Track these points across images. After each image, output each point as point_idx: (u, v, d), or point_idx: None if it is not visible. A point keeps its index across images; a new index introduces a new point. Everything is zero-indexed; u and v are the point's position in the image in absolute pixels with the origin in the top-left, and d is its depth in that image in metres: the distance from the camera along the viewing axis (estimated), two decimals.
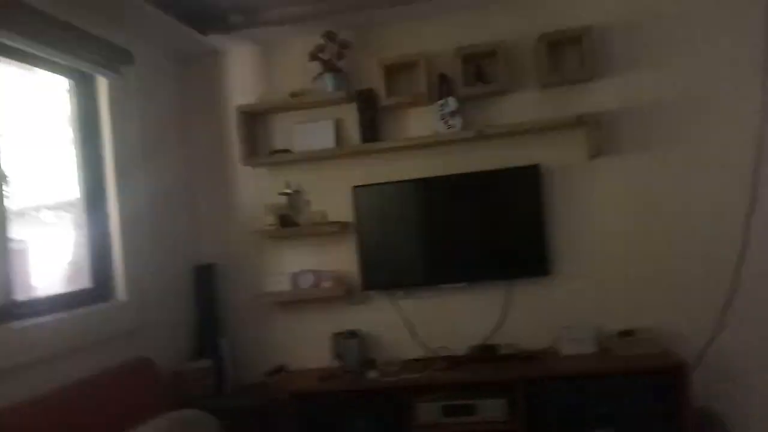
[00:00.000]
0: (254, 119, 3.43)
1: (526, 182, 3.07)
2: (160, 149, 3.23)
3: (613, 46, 3.10)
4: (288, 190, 3.32)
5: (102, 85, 2.83)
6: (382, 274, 3.20)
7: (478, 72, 3.13)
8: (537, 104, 3.16)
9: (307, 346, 3.36)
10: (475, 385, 2.92)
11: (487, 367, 2.94)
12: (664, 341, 2.99)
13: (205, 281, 3.35)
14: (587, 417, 2.74)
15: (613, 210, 3.11)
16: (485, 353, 3.07)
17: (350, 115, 3.30)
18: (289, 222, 3.32)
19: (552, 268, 3.13)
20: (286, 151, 3.32)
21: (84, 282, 2.71)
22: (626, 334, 2.96)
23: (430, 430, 2.86)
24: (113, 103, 2.86)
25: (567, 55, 3.11)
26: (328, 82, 3.21)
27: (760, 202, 2.97)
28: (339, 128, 3.34)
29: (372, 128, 3.21)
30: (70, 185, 2.74)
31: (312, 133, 3.31)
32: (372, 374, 2.97)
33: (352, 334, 3.20)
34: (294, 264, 3.37)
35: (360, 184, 3.27)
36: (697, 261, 3.03)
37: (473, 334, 3.21)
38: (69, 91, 2.76)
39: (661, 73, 3.06)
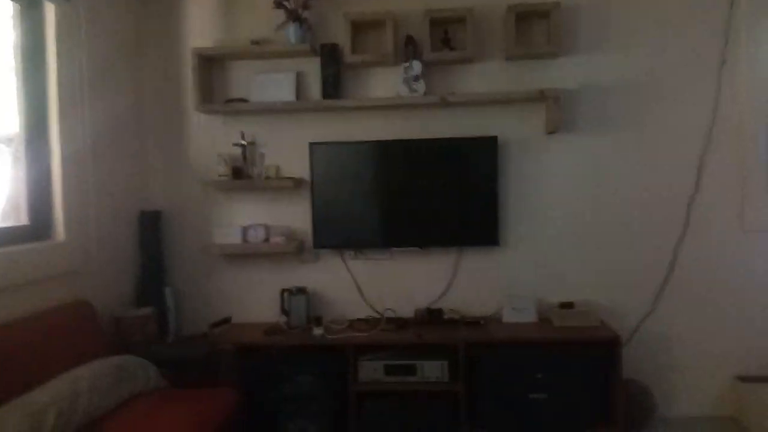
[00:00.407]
0: (211, 64, 3.29)
1: (484, 153, 3.09)
2: (109, 87, 3.06)
3: (579, 25, 3.12)
4: (242, 142, 3.23)
5: (50, 12, 2.65)
6: (335, 233, 3.19)
7: (445, 37, 3.10)
8: (500, 75, 3.17)
9: (255, 300, 3.33)
10: (419, 347, 2.99)
11: (431, 330, 3.00)
12: (601, 315, 3.13)
13: (151, 228, 3.25)
14: (523, 382, 2.85)
15: (564, 186, 3.19)
16: (430, 317, 3.13)
17: (312, 69, 3.22)
18: (242, 174, 3.24)
19: (501, 239, 3.19)
20: (242, 100, 3.21)
21: (21, 219, 2.58)
22: (566, 306, 3.08)
23: (371, 387, 2.91)
24: (61, 32, 2.68)
25: (534, 28, 3.12)
26: (291, 33, 3.11)
27: (703, 187, 3.10)
28: (300, 82, 3.25)
29: (334, 85, 3.15)
30: (10, 118, 2.57)
31: (271, 84, 3.21)
32: (318, 331, 2.98)
33: (301, 290, 3.19)
34: (245, 217, 3.32)
35: (317, 141, 3.22)
36: (640, 241, 3.16)
37: (421, 298, 3.26)
38: (13, 17, 2.56)
39: (623, 55, 3.12)
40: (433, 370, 2.92)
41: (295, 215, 3.30)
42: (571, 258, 3.20)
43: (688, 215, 3.12)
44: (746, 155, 3.07)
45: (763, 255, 3.09)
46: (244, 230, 3.24)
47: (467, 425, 2.89)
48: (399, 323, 3.09)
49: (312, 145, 3.16)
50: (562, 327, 2.96)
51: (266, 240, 3.23)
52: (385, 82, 3.21)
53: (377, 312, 3.28)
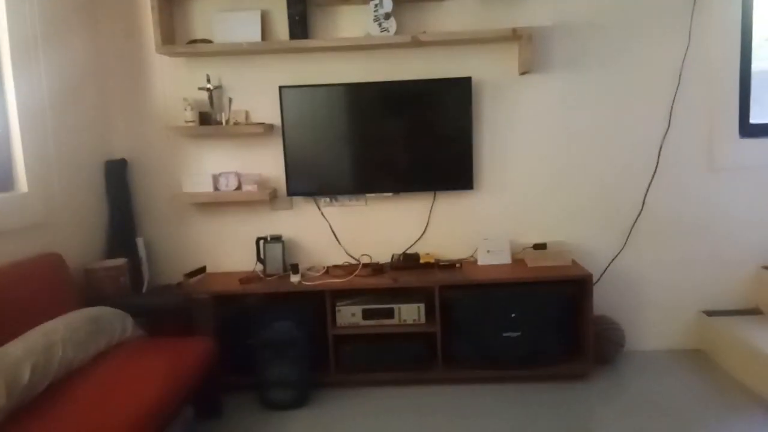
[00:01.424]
0: (171, 3, 3.13)
1: (458, 94, 3.04)
2: (64, 34, 2.89)
3: None
4: (208, 86, 3.11)
5: None
6: (308, 179, 3.14)
7: None
8: (473, 14, 3.08)
9: (229, 249, 3.30)
10: (395, 291, 3.02)
11: (407, 274, 3.02)
12: (573, 255, 3.19)
13: (118, 178, 3.16)
14: (497, 321, 2.91)
15: (537, 127, 3.17)
16: (407, 261, 3.14)
17: (278, 7, 3.09)
18: (210, 120, 3.15)
19: (476, 182, 3.18)
20: (206, 41, 3.08)
21: None
22: (539, 247, 3.12)
23: (349, 331, 2.95)
24: None
25: None
26: None
27: (673, 127, 3.11)
28: (265, 21, 3.12)
29: (301, 24, 3.02)
30: None
31: (236, 23, 3.07)
32: (295, 278, 2.98)
33: (276, 238, 3.17)
34: (215, 165, 3.24)
35: (287, 84, 3.12)
36: (612, 181, 3.18)
37: (397, 243, 3.27)
38: None
39: None
40: (409, 313, 2.96)
41: (267, 162, 3.23)
42: (545, 200, 3.21)
43: (659, 155, 3.14)
44: (717, 93, 3.07)
45: (730, 193, 3.15)
46: (215, 178, 3.18)
47: (443, 364, 2.96)
48: (375, 268, 3.10)
49: (282, 88, 3.06)
50: (535, 267, 3.01)
51: (238, 188, 3.17)
52: (355, 21, 3.09)
53: (354, 258, 3.28)
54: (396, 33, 2.98)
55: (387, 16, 2.96)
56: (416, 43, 3.01)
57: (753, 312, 3.18)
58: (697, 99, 3.09)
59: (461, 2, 3.08)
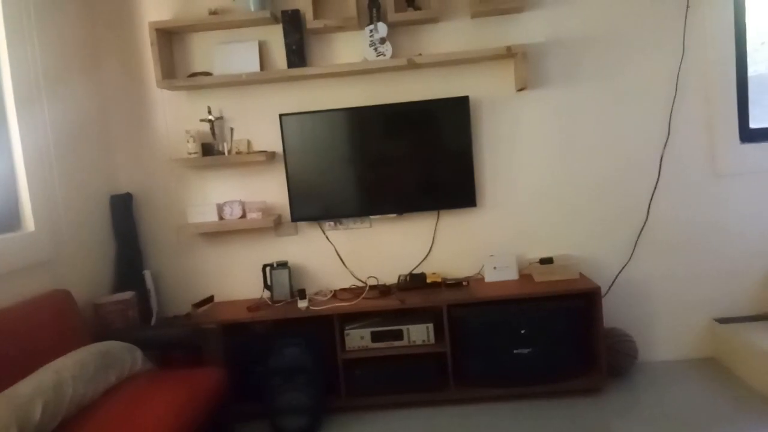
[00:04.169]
0: (170, 38, 3.19)
1: (456, 113, 3.06)
2: (66, 73, 2.95)
3: None
4: (210, 117, 3.15)
5: None
6: (312, 204, 3.16)
7: None
8: (467, 34, 3.12)
9: (236, 277, 3.32)
10: (403, 312, 3.02)
11: (414, 294, 3.01)
12: (580, 268, 3.18)
13: (123, 211, 3.19)
14: (507, 338, 2.89)
15: (537, 142, 3.18)
16: (413, 282, 3.14)
17: (275, 37, 3.14)
18: (212, 150, 3.18)
19: (478, 199, 3.19)
20: (206, 73, 3.13)
21: None
22: (545, 261, 3.11)
23: (359, 354, 2.94)
24: (9, 21, 2.56)
25: None
26: (250, 0, 3.01)
27: (674, 135, 3.12)
28: (263, 51, 3.17)
29: (298, 52, 3.07)
30: None
31: (234, 55, 3.13)
32: (302, 304, 2.98)
33: (282, 264, 3.18)
34: (219, 194, 3.27)
35: (287, 111, 3.16)
36: (615, 192, 3.18)
37: (403, 263, 3.27)
38: None
39: (588, 6, 3.08)
40: (418, 334, 2.95)
41: (271, 189, 3.26)
42: (548, 213, 3.21)
43: (661, 163, 3.14)
44: (715, 99, 3.08)
45: (735, 198, 3.13)
46: (219, 208, 3.20)
47: (454, 384, 2.94)
48: (382, 290, 3.10)
49: (282, 116, 3.10)
50: (543, 282, 3.00)
51: (243, 216, 3.19)
52: (351, 47, 3.14)
53: (360, 280, 3.29)
54: (392, 56, 3.02)
55: (382, 40, 3.00)
56: (412, 66, 3.04)
57: (764, 318, 3.14)
58: (696, 106, 3.10)
59: (455, 23, 3.12)
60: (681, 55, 3.07)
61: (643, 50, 3.09)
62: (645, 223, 3.17)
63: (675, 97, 3.10)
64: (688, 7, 3.04)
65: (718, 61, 3.06)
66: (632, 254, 3.20)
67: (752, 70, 3.12)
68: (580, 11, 3.08)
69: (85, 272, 2.95)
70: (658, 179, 3.15)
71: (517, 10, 3.04)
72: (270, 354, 2.86)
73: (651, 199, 3.16)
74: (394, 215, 3.20)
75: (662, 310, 3.22)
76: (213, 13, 3.07)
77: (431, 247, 3.26)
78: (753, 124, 3.13)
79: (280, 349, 2.86)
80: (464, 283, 3.10)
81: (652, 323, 3.23)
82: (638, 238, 3.18)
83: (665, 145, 3.13)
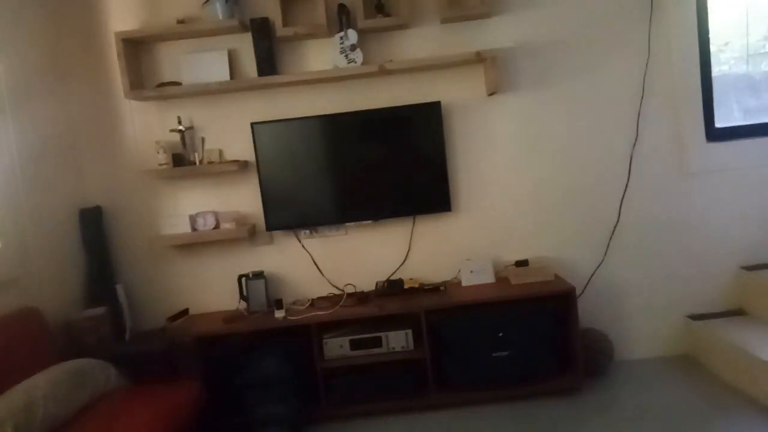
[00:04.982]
0: (138, 48, 3.14)
1: (429, 119, 3.07)
2: (32, 83, 2.88)
3: None
4: (180, 127, 3.11)
5: None
6: (286, 213, 3.13)
7: (379, 4, 3.03)
8: (437, 39, 3.13)
9: (211, 289, 3.27)
10: (382, 319, 3.00)
11: (392, 301, 3.00)
12: (555, 269, 3.20)
13: (93, 225, 3.12)
14: (486, 342, 2.90)
15: (509, 146, 3.20)
16: (391, 288, 3.13)
17: (244, 45, 3.12)
18: (184, 161, 3.14)
19: (453, 204, 3.20)
20: (175, 83, 3.08)
21: None
22: (521, 264, 3.13)
23: (338, 363, 2.92)
24: None
25: None
26: (218, 9, 2.98)
27: (642, 135, 3.17)
28: (233, 60, 3.14)
29: (269, 61, 3.05)
30: None
31: (203, 64, 3.09)
32: (279, 314, 2.95)
33: (258, 274, 3.14)
34: (192, 205, 3.22)
35: (258, 120, 3.14)
36: (586, 194, 3.22)
37: (380, 270, 3.26)
38: None
39: (556, 12, 3.12)
40: (397, 340, 2.94)
41: (244, 198, 3.22)
42: (523, 216, 3.24)
43: (630, 164, 3.19)
44: (681, 100, 3.14)
45: (704, 196, 3.19)
46: (192, 219, 3.16)
47: (435, 389, 2.93)
48: (360, 297, 3.09)
49: (254, 125, 3.07)
50: (519, 284, 3.02)
51: (216, 227, 3.15)
52: (322, 54, 3.13)
53: (338, 288, 3.27)
54: (363, 63, 3.01)
55: (353, 47, 3.00)
56: (384, 72, 3.04)
57: (736, 313, 3.21)
58: (662, 107, 3.15)
59: (425, 29, 3.13)
60: (647, 57, 3.13)
61: (609, 53, 3.14)
62: (617, 223, 3.22)
63: (642, 98, 3.15)
64: (652, 9, 3.10)
65: (683, 62, 3.12)
66: (605, 254, 3.24)
67: (717, 70, 3.19)
68: (547, 16, 3.12)
69: (55, 288, 2.88)
70: (628, 180, 3.19)
71: (485, 15, 3.06)
72: (247, 366, 2.82)
73: (622, 199, 3.21)
74: (370, 222, 3.20)
75: (636, 309, 3.27)
76: (180, 21, 3.04)
77: (408, 253, 3.26)
78: (718, 123, 3.20)
79: (257, 361, 2.82)
80: (441, 288, 3.11)
81: (627, 322, 3.27)
82: (611, 238, 3.23)
83: (634, 146, 3.18)
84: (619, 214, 3.21)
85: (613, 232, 3.22)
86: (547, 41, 3.13)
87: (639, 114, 3.16)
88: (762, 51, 3.25)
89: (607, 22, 3.12)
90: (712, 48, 3.17)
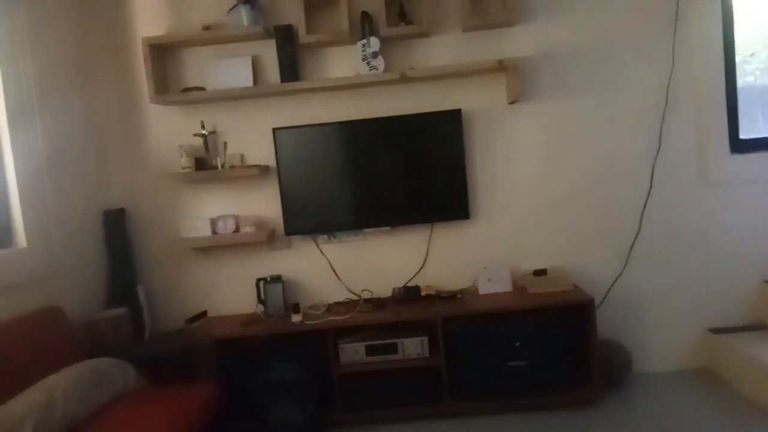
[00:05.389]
0: (164, 53, 3.20)
1: (449, 127, 3.07)
2: (60, 87, 2.95)
3: None
4: (203, 131, 3.16)
5: None
6: (305, 218, 3.16)
7: (401, 12, 3.05)
8: (459, 47, 3.14)
9: (230, 292, 3.30)
10: (398, 325, 3.00)
11: (409, 307, 3.00)
12: (574, 279, 3.18)
13: (116, 227, 3.18)
14: (502, 351, 2.89)
15: (529, 154, 3.19)
16: (408, 295, 3.13)
17: (268, 52, 3.16)
18: (206, 165, 3.18)
19: (472, 212, 3.20)
20: (199, 88, 3.13)
21: None
22: (539, 273, 3.11)
23: (353, 369, 2.92)
24: (2, 39, 2.56)
25: None
26: (243, 15, 3.03)
27: (665, 146, 3.14)
28: (256, 66, 3.18)
29: (291, 67, 3.08)
30: None
31: (228, 70, 3.14)
32: (296, 318, 2.97)
33: (276, 278, 3.17)
34: (212, 209, 3.26)
35: (280, 125, 3.17)
36: (607, 203, 3.20)
37: (397, 276, 3.27)
38: None
39: (579, 19, 3.11)
40: (413, 347, 2.94)
41: (264, 203, 3.25)
42: (542, 225, 3.22)
43: (652, 174, 3.16)
44: (705, 110, 3.11)
45: (726, 207, 3.15)
46: (213, 222, 3.19)
47: (450, 397, 2.92)
48: (377, 303, 3.09)
49: (275, 130, 3.10)
50: (537, 294, 3.00)
51: (236, 230, 3.18)
52: (344, 62, 3.16)
53: (355, 294, 3.28)
54: (384, 70, 3.03)
55: (375, 54, 3.02)
56: (405, 80, 3.06)
57: (758, 327, 3.15)
58: (686, 117, 3.12)
59: (446, 37, 3.14)
60: (671, 67, 3.10)
61: (633, 62, 3.12)
62: (637, 234, 3.18)
63: (665, 108, 3.12)
64: (677, 19, 3.08)
65: (708, 73, 3.09)
66: (625, 265, 3.20)
67: (742, 81, 3.15)
68: (569, 25, 3.11)
69: (78, 288, 2.93)
70: (650, 190, 3.16)
71: (508, 24, 3.07)
72: (264, 369, 2.84)
73: (643, 210, 3.18)
74: (388, 228, 3.21)
75: (656, 321, 3.22)
76: (206, 28, 3.09)
77: (425, 260, 3.26)
78: (743, 135, 3.16)
79: (274, 365, 2.84)
80: (458, 296, 3.10)
81: (647, 334, 3.23)
82: (631, 249, 3.19)
83: (656, 156, 3.15)
84: (640, 225, 3.18)
85: (634, 242, 3.19)
86: (569, 50, 3.12)
87: (662, 124, 3.13)
88: None
89: (630, 31, 3.10)
90: (737, 58, 3.13)
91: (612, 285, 3.21)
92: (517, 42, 3.12)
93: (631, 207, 3.18)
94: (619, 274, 3.21)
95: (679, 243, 3.18)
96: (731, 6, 3.09)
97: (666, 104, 3.12)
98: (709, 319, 3.21)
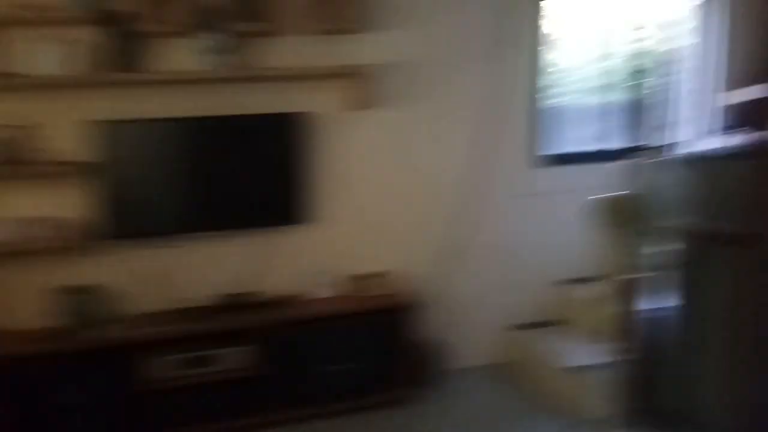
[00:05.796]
0: None
1: (291, 129, 3.03)
2: None
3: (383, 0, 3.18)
4: (9, 123, 2.79)
5: None
6: (125, 222, 2.88)
7: (250, 9, 2.94)
8: (304, 50, 3.10)
9: (20, 305, 2.89)
10: (221, 335, 2.83)
11: (231, 316, 2.88)
12: (403, 282, 3.30)
13: None
14: (322, 356, 2.93)
15: (373, 161, 3.28)
16: (229, 302, 3.00)
17: (93, 38, 2.88)
18: (13, 161, 2.79)
19: (305, 217, 3.18)
20: (9, 74, 2.77)
21: None
22: (368, 276, 3.21)
23: (164, 385, 2.70)
24: None
25: (338, 3, 3.08)
26: None
27: (482, 160, 3.40)
28: (76, 52, 2.87)
29: (122, 56, 2.83)
30: None
31: (43, 55, 2.81)
32: (98, 332, 2.60)
33: (80, 289, 2.80)
34: (19, 210, 2.86)
35: (99, 119, 2.87)
36: (435, 211, 3.40)
37: (223, 283, 3.11)
38: None
39: (424, 30, 3.24)
40: (231, 358, 2.80)
41: (77, 204, 2.92)
42: (380, 231, 3.33)
43: (465, 184, 3.40)
44: (515, 127, 3.44)
45: (526, 216, 3.50)
46: (16, 225, 2.80)
47: (272, 407, 2.87)
48: (195, 312, 2.91)
49: (93, 124, 2.82)
50: (362, 297, 3.09)
51: (28, 235, 2.79)
52: (181, 55, 2.96)
53: (175, 303, 3.03)
54: (228, 67, 2.90)
55: (215, 50, 2.89)
56: (249, 78, 2.98)
57: (555, 323, 3.50)
58: (497, 133, 3.40)
59: (296, 38, 3.09)
60: (492, 84, 3.35)
61: (463, 78, 3.34)
62: (454, 239, 3.41)
63: (483, 121, 3.37)
64: (496, 44, 3.33)
65: (519, 93, 3.42)
66: (444, 268, 3.41)
67: (549, 102, 3.53)
68: (415, 35, 3.23)
69: None
70: (465, 198, 3.40)
71: (355, 30, 3.09)
72: (46, 397, 2.53)
73: (462, 218, 3.41)
74: (220, 233, 3.07)
75: (474, 321, 3.49)
76: (22, 6, 2.79)
77: (255, 266, 3.17)
78: (545, 151, 3.53)
79: (60, 389, 2.54)
80: (287, 302, 3.04)
81: (466, 333, 3.48)
82: (453, 254, 3.41)
83: (471, 168, 3.39)
84: (456, 230, 3.41)
85: (451, 246, 3.41)
86: (413, 61, 3.26)
87: (480, 137, 3.37)
88: (590, 86, 3.67)
89: (463, 49, 3.31)
90: (541, 84, 3.47)
91: (436, 287, 3.40)
92: (366, 49, 3.16)
93: (449, 212, 3.41)
94: (440, 277, 3.41)
95: (491, 250, 3.49)
96: (542, 35, 3.42)
97: (493, 116, 3.37)
98: (515, 317, 3.54)
